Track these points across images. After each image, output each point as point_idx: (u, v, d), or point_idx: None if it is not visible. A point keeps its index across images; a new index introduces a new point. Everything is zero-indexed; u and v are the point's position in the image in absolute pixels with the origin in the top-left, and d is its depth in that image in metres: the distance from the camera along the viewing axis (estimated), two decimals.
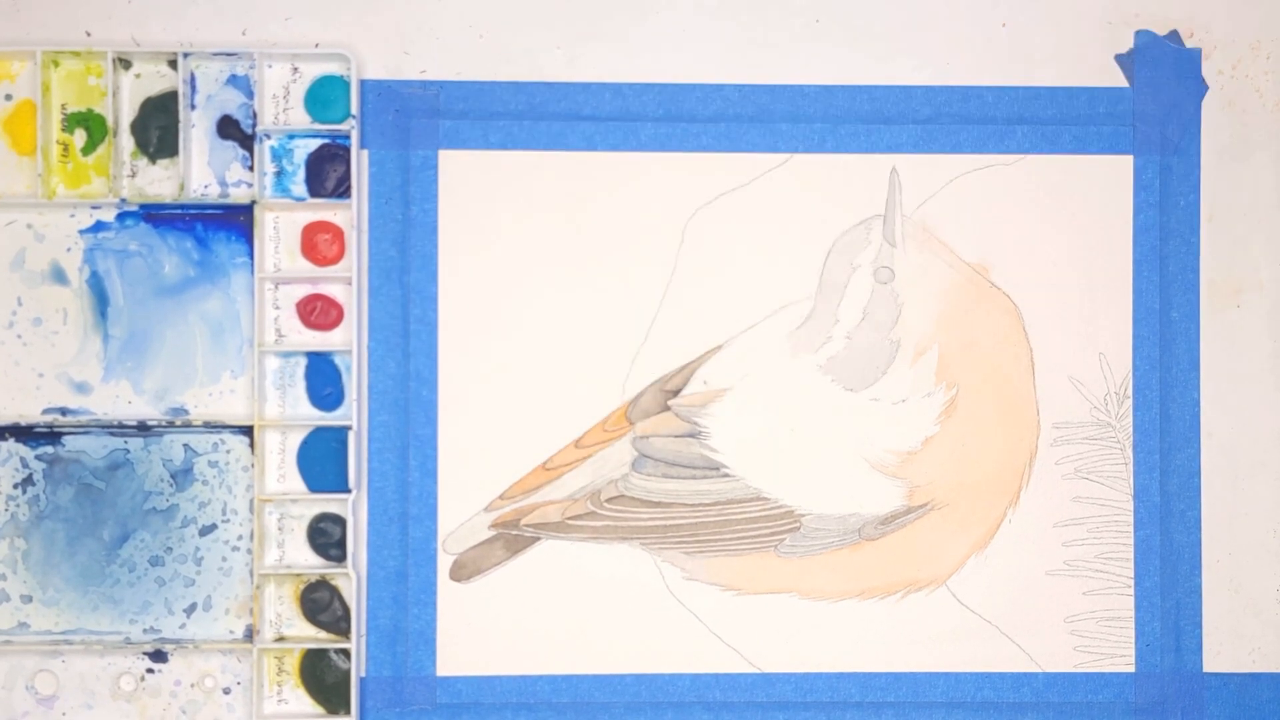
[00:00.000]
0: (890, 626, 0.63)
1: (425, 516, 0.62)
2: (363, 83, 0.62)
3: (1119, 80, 0.63)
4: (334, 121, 0.62)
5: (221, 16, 0.62)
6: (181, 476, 0.62)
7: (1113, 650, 0.63)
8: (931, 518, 0.63)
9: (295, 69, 0.62)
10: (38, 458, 0.62)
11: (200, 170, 0.62)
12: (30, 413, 0.62)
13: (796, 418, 0.63)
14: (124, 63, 0.62)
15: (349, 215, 0.62)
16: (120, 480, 0.62)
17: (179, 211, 0.62)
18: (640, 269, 0.63)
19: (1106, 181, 0.63)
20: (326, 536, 0.62)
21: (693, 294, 0.63)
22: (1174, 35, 0.63)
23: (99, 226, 0.62)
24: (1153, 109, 0.63)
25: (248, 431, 0.62)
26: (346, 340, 0.62)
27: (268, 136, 0.62)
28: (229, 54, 0.62)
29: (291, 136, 0.62)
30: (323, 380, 0.62)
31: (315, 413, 0.62)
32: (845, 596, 0.63)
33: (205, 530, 0.62)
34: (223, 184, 0.62)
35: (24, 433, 0.62)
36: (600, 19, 0.63)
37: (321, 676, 0.62)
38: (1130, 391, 0.63)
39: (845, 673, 0.62)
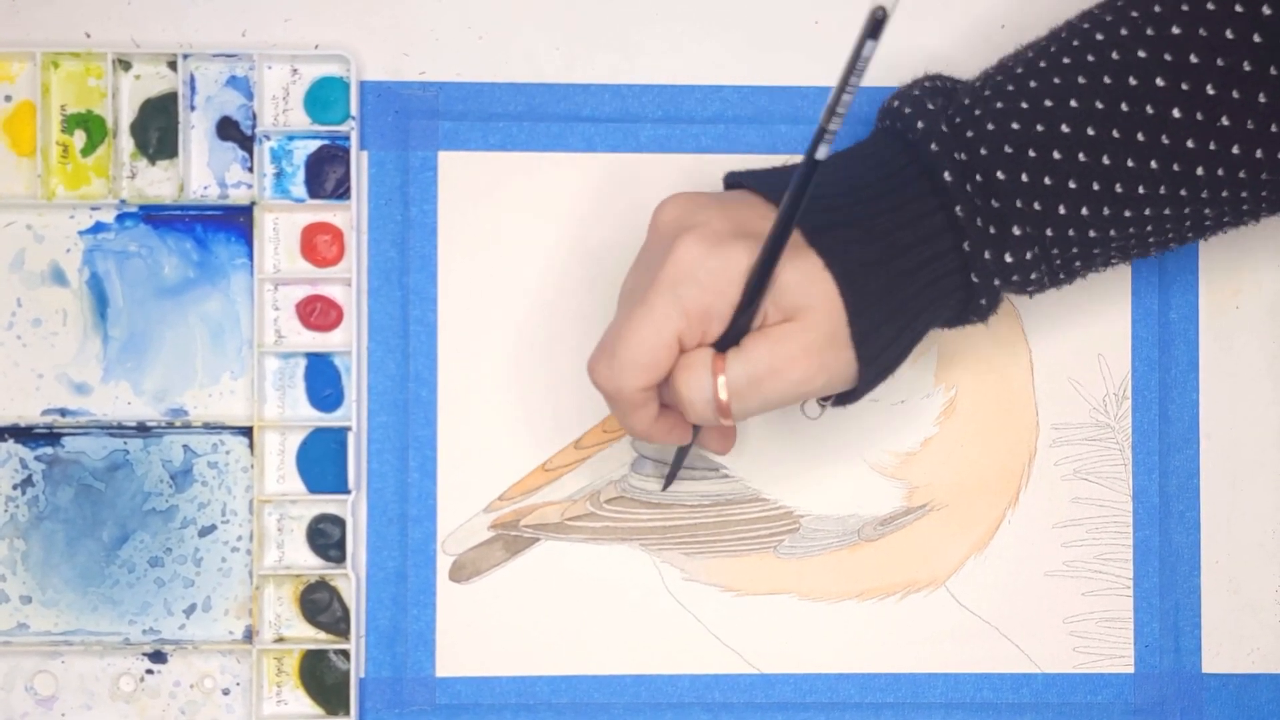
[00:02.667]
0: (889, 627, 0.63)
1: (424, 517, 0.62)
2: (362, 84, 0.62)
3: None
4: (333, 123, 0.62)
5: (221, 18, 0.62)
6: (181, 477, 0.62)
7: (1112, 651, 0.63)
8: (930, 519, 0.63)
9: (295, 70, 0.62)
10: (37, 459, 0.62)
11: (200, 171, 0.62)
12: (29, 414, 0.62)
13: (795, 418, 0.63)
14: (124, 64, 0.62)
15: (348, 216, 0.62)
16: (120, 481, 0.62)
17: (179, 213, 0.62)
18: None
19: None
20: (326, 537, 0.62)
21: None
22: None
23: (98, 228, 0.62)
24: None
25: (247, 432, 0.62)
26: (346, 341, 0.62)
27: (267, 138, 0.62)
28: (228, 55, 0.62)
29: (291, 138, 0.62)
30: (322, 381, 0.62)
31: (314, 414, 0.62)
32: (844, 597, 0.63)
33: (205, 531, 0.62)
34: (222, 185, 0.62)
35: (23, 434, 0.62)
36: (599, 20, 0.63)
37: (321, 677, 0.62)
38: (1129, 392, 0.63)
39: (844, 673, 0.62)
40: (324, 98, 0.62)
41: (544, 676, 0.62)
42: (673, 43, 0.63)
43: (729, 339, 0.51)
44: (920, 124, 0.53)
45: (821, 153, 0.46)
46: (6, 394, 0.62)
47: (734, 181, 0.55)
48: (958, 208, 0.52)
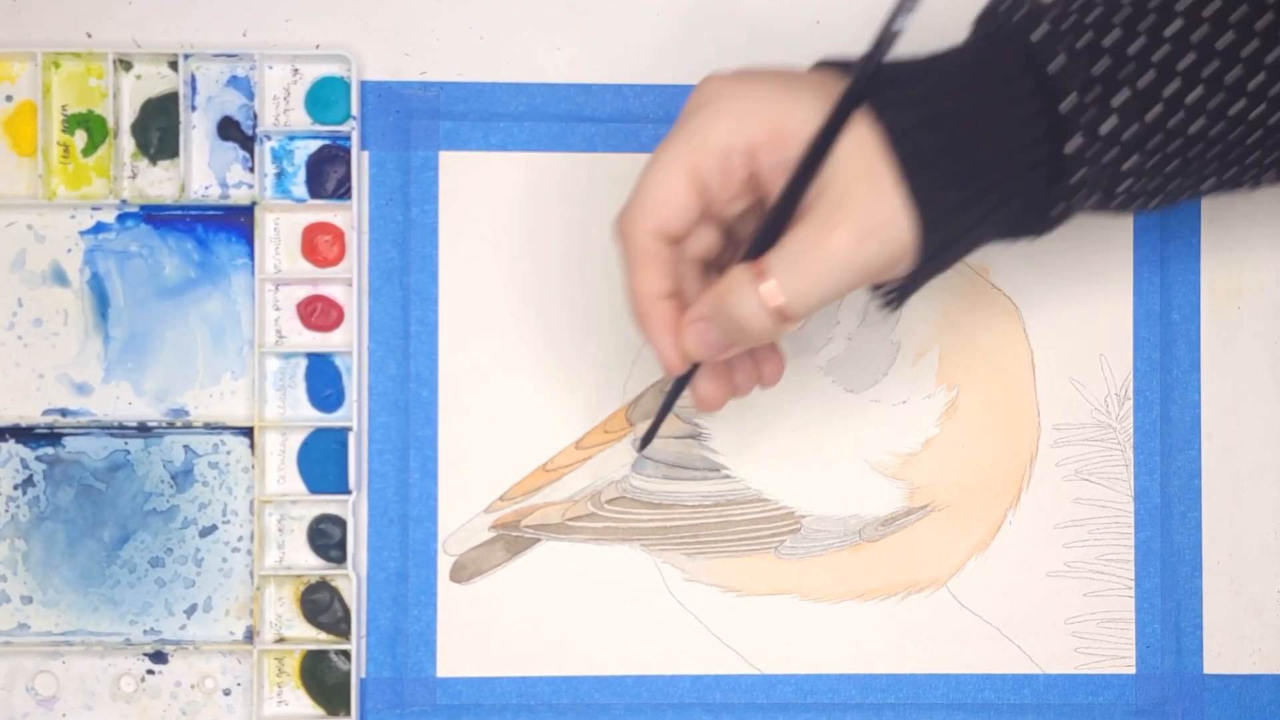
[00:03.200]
0: (890, 628, 0.63)
1: (425, 518, 0.62)
2: (363, 84, 0.62)
3: None
4: (334, 123, 0.62)
5: (222, 18, 0.62)
6: (182, 478, 0.62)
7: (1113, 652, 0.63)
8: (932, 519, 0.63)
9: (296, 70, 0.62)
10: (38, 459, 0.62)
11: (201, 171, 0.62)
12: (30, 414, 0.62)
13: (797, 419, 0.63)
14: (124, 64, 0.62)
15: (349, 216, 0.62)
16: (120, 481, 0.62)
17: (179, 213, 0.62)
18: None
19: None
20: (327, 538, 0.62)
21: None
22: None
23: (99, 228, 0.62)
24: None
25: (248, 433, 0.62)
26: (347, 341, 0.62)
27: (268, 138, 0.62)
28: (229, 55, 0.62)
29: (292, 138, 0.62)
30: (323, 381, 0.62)
31: (315, 414, 0.62)
32: (845, 598, 0.63)
33: (205, 531, 0.62)
34: (223, 185, 0.62)
35: (24, 434, 0.62)
36: (600, 20, 0.63)
37: (322, 678, 0.62)
38: (1131, 393, 0.63)
39: (845, 674, 0.62)
40: (325, 98, 0.62)
41: (545, 677, 0.62)
42: (673, 42, 0.63)
43: (767, 237, 0.47)
44: (1023, 11, 0.49)
45: (900, 24, 0.41)
46: (7, 394, 0.62)
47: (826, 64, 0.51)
48: (1051, 65, 0.47)
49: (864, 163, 0.45)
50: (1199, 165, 0.50)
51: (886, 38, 0.44)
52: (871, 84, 0.46)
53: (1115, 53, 0.48)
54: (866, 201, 0.45)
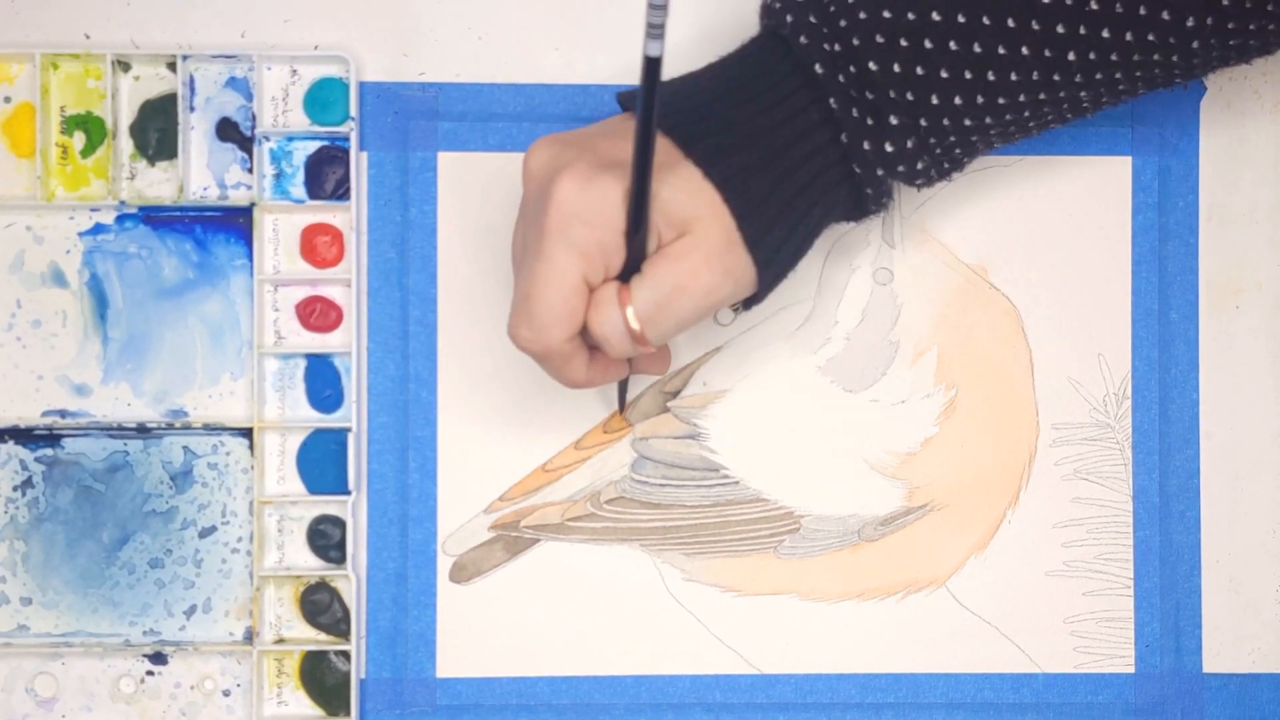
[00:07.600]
0: (890, 627, 0.63)
1: (425, 518, 0.62)
2: (362, 85, 0.62)
3: None
4: (333, 124, 0.62)
5: (220, 19, 0.62)
6: (181, 479, 0.62)
7: (1112, 651, 0.63)
8: (931, 519, 0.63)
9: (294, 71, 0.62)
10: (37, 460, 0.62)
11: (199, 172, 0.62)
12: (29, 415, 0.62)
13: (796, 419, 0.63)
14: (123, 65, 0.62)
15: (348, 217, 0.62)
16: (120, 482, 0.62)
17: (178, 214, 0.62)
18: None
19: (1105, 183, 0.63)
20: (326, 538, 0.62)
21: None
22: None
23: (98, 229, 0.62)
24: (1151, 110, 0.63)
25: (247, 433, 0.62)
26: (346, 342, 0.62)
27: (267, 139, 0.62)
28: (228, 56, 0.62)
29: (290, 139, 0.62)
30: (322, 382, 0.62)
31: (315, 415, 0.62)
32: (845, 597, 0.63)
33: (205, 532, 0.62)
34: (222, 186, 0.62)
35: (23, 435, 0.62)
36: (599, 21, 0.63)
37: (321, 678, 0.62)
38: (1129, 392, 0.63)
39: (845, 674, 0.62)
40: (323, 99, 0.62)
41: (544, 677, 0.62)
42: (672, 42, 0.63)
43: (630, 267, 0.51)
44: (790, 18, 0.53)
45: (652, 49, 0.44)
46: (6, 396, 0.62)
47: (623, 103, 0.56)
48: (831, 100, 0.52)
49: (717, 215, 0.50)
50: (985, 143, 0.55)
51: (650, 70, 0.45)
52: (684, 122, 0.51)
53: (883, 81, 0.52)
54: (728, 256, 0.51)
